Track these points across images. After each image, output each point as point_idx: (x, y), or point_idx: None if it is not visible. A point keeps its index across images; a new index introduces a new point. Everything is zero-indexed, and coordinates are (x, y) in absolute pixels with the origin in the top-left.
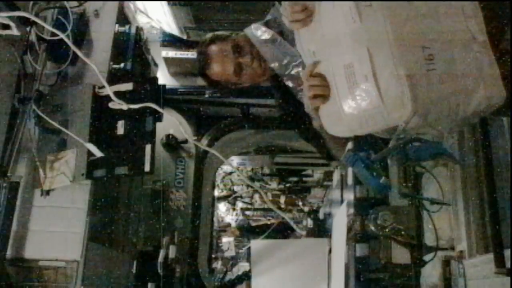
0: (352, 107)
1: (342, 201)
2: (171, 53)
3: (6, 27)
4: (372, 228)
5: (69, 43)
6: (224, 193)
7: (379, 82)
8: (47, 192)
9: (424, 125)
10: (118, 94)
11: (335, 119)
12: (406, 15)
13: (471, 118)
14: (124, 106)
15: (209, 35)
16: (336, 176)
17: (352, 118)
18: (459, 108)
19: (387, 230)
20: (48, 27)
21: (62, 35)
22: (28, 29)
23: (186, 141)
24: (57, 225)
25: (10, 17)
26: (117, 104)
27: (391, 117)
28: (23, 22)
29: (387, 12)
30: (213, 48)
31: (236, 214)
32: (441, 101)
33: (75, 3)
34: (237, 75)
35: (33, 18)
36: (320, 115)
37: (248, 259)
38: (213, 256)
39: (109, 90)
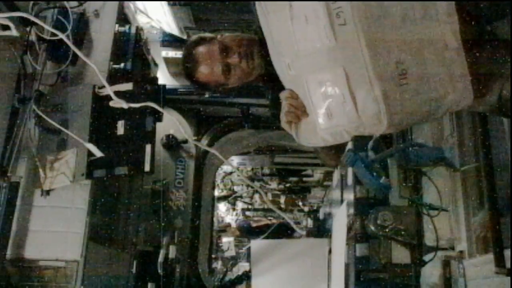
0: (327, 122)
1: (342, 201)
2: (171, 53)
3: (6, 27)
4: (372, 228)
5: (69, 42)
6: (224, 193)
7: (357, 101)
8: (47, 192)
9: (396, 130)
10: (118, 94)
11: (311, 131)
12: (381, 32)
13: (439, 118)
14: (125, 105)
15: (194, 37)
16: (336, 176)
17: (326, 132)
18: (429, 114)
19: (387, 230)
20: (48, 27)
21: (62, 35)
22: (28, 29)
23: (186, 141)
24: (57, 225)
25: (9, 18)
26: (117, 103)
27: (367, 131)
28: (23, 22)
29: (362, 31)
30: (200, 49)
31: (236, 214)
32: (414, 112)
33: (75, 3)
34: (226, 76)
35: (32, 18)
36: (298, 127)
37: (248, 259)
38: (213, 256)
39: (108, 88)
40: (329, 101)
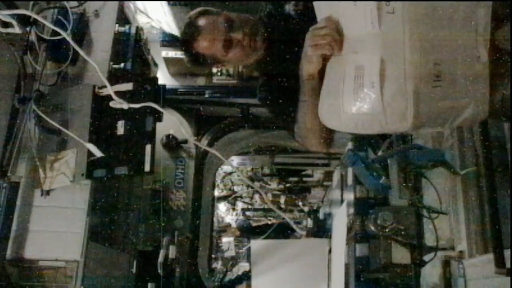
0: (352, 107)
1: (342, 201)
2: (171, 53)
3: (7, 25)
4: (372, 228)
5: (70, 40)
6: (224, 193)
7: (385, 93)
8: (47, 192)
9: (416, 131)
10: (118, 94)
11: (334, 113)
12: (426, 28)
13: (450, 128)
14: (125, 105)
15: (198, 8)
16: (336, 176)
17: (349, 118)
18: (448, 122)
19: (387, 230)
20: (50, 25)
21: (63, 33)
22: (28, 29)
23: (186, 141)
24: (57, 225)
25: (11, 16)
26: (118, 103)
27: (389, 127)
28: (23, 22)
29: (408, 24)
30: (204, 19)
31: (236, 214)
32: (438, 116)
33: (75, 3)
34: (226, 51)
35: (34, 15)
36: (320, 106)
37: (248, 259)
38: (213, 256)
39: (110, 88)
40: (359, 86)
